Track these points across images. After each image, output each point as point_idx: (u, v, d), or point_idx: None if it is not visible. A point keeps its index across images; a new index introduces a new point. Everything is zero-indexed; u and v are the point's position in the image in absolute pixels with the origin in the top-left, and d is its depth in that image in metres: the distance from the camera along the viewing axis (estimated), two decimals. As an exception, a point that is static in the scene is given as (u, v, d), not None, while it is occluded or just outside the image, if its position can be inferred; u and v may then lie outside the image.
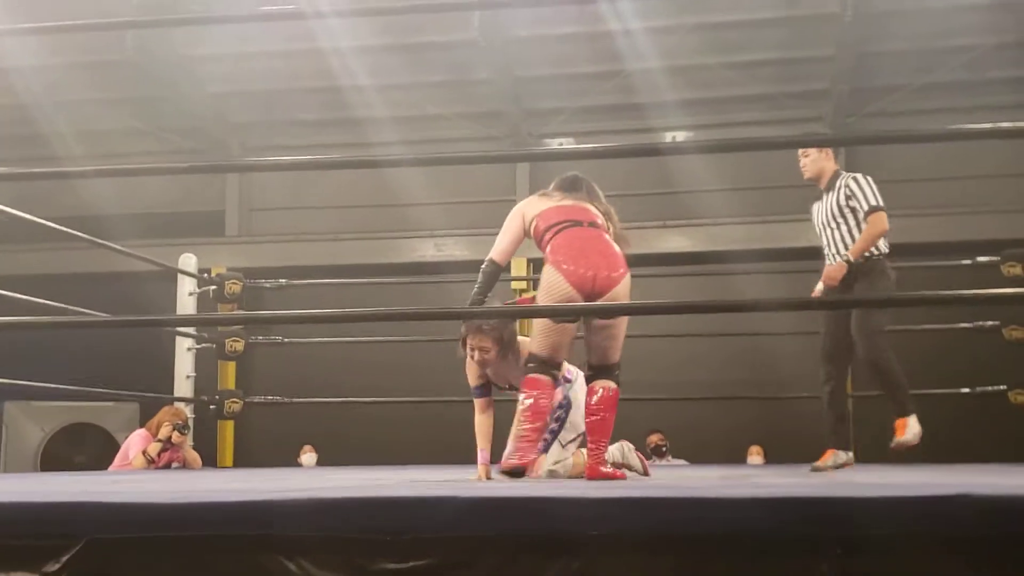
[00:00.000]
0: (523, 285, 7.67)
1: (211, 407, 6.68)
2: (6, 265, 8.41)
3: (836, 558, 1.69)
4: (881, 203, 4.34)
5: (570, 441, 3.83)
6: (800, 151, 4.59)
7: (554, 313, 3.48)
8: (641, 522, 1.77)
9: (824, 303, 4.65)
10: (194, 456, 6.09)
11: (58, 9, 7.00)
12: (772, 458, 7.37)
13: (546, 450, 3.74)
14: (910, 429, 4.28)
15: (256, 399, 7.25)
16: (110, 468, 6.05)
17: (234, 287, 6.74)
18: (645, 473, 3.95)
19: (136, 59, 8.46)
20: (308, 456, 7.89)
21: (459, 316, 3.68)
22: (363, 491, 2.09)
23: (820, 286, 4.48)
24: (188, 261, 6.74)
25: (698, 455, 7.29)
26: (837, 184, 4.44)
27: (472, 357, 3.62)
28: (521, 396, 3.44)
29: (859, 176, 4.43)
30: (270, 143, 9.47)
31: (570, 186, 3.67)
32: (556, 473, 3.73)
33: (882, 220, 4.32)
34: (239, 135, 9.51)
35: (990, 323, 6.17)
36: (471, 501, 1.85)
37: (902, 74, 8.37)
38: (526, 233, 3.63)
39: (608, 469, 3.46)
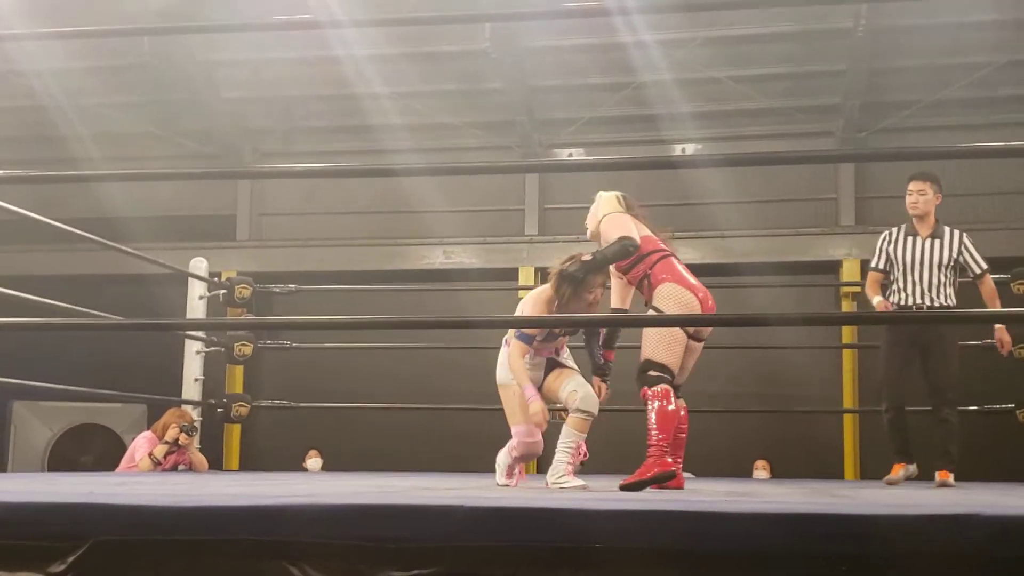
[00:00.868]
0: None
1: (218, 410, 6.69)
2: (22, 265, 8.46)
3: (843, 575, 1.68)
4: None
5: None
6: (916, 186, 4.71)
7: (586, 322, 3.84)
8: (648, 535, 1.77)
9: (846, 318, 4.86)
10: (200, 459, 6.10)
11: (79, 14, 7.13)
12: (778, 472, 7.34)
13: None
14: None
15: (263, 403, 7.26)
16: (116, 470, 6.07)
17: (244, 291, 6.76)
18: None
19: (154, 64, 8.56)
20: (313, 461, 7.90)
21: (469, 325, 3.70)
22: (368, 498, 2.08)
23: (878, 299, 4.69)
24: (199, 265, 6.76)
25: (704, 468, 7.26)
26: (946, 234, 4.68)
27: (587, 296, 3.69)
28: (649, 405, 3.56)
29: (966, 235, 4.73)
30: (284, 149, 9.51)
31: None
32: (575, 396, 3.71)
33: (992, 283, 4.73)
34: (253, 140, 9.56)
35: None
36: (477, 511, 1.84)
37: (913, 90, 8.35)
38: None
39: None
